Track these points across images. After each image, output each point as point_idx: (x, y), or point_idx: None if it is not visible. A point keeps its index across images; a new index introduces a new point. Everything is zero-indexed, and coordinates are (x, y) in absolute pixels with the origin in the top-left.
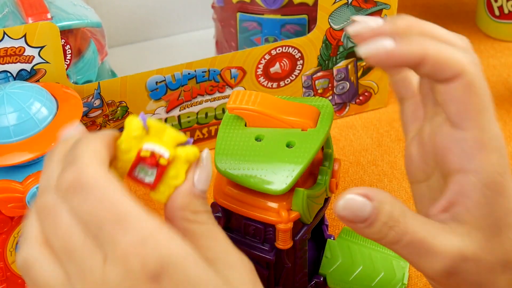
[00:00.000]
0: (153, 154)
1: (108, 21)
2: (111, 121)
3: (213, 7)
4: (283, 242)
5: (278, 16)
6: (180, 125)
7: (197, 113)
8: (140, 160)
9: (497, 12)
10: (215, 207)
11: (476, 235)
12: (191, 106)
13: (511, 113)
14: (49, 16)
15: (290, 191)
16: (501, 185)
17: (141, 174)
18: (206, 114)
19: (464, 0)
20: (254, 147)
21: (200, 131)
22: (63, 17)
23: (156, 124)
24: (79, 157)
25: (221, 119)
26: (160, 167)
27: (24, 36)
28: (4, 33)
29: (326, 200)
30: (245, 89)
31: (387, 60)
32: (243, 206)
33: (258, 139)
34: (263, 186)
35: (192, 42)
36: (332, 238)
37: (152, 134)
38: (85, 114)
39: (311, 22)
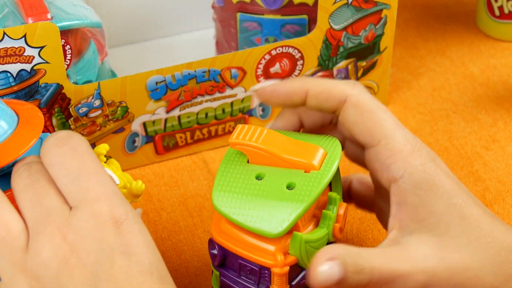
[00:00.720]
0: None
1: (108, 21)
2: (111, 121)
3: (213, 7)
4: (279, 287)
5: (278, 16)
6: (180, 125)
7: (197, 113)
8: None
9: (497, 12)
10: (212, 243)
11: (429, 239)
12: (191, 106)
13: (511, 113)
14: (49, 16)
15: (289, 233)
16: (429, 181)
17: None
18: (206, 114)
19: (464, 0)
20: (254, 185)
21: (200, 131)
22: (63, 17)
23: (115, 162)
24: (71, 132)
25: (221, 119)
26: None
27: (24, 36)
28: (4, 33)
29: (329, 244)
30: (245, 90)
31: (272, 95)
32: (239, 246)
33: (258, 177)
34: (259, 228)
35: (192, 42)
36: None
37: (110, 164)
38: (85, 114)
39: (311, 22)
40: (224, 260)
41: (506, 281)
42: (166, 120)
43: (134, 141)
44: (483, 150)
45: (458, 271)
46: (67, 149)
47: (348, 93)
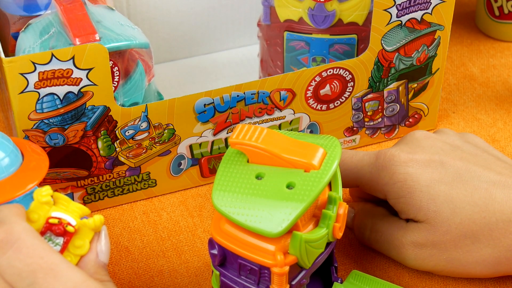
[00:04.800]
0: (60, 222)
1: (150, 37)
2: (157, 144)
3: (258, 25)
4: (278, 286)
5: (327, 36)
6: (226, 148)
7: None
8: (48, 227)
9: (497, 12)
10: (212, 243)
11: (421, 227)
12: None
13: (511, 113)
14: (97, 37)
15: (289, 233)
16: (408, 189)
17: (49, 243)
18: None
19: (464, 0)
20: (254, 185)
21: None
22: (111, 38)
23: (62, 196)
24: (4, 217)
25: None
26: (67, 235)
27: (73, 58)
28: (52, 55)
29: (329, 244)
30: (294, 112)
31: None
32: (239, 246)
33: (258, 177)
34: (258, 228)
35: (236, 59)
36: (339, 281)
37: (59, 204)
38: (131, 137)
39: (360, 42)
40: (224, 260)
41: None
42: (212, 143)
43: (180, 164)
44: None
45: (444, 244)
46: (11, 253)
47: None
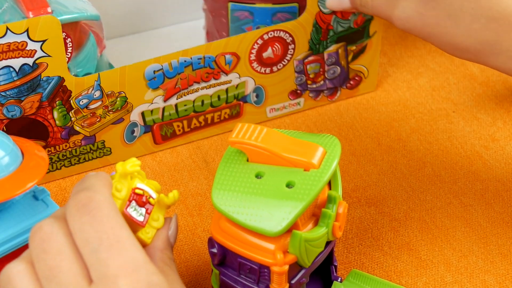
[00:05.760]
0: (144, 193)
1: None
2: (111, 112)
3: None
4: (278, 285)
5: (269, 5)
6: (177, 114)
7: (194, 101)
8: (134, 197)
9: None
10: (211, 242)
11: (418, 2)
12: (187, 94)
13: (511, 112)
14: (49, 10)
15: (288, 232)
16: None
17: (133, 212)
18: (202, 101)
19: None
20: (253, 184)
21: (196, 119)
22: (62, 11)
23: (139, 171)
24: (91, 184)
25: (217, 106)
26: (149, 207)
27: (27, 30)
28: (7, 28)
29: (329, 243)
30: (239, 76)
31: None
32: (239, 244)
33: (258, 176)
34: (258, 227)
35: (182, 33)
36: (339, 280)
37: (139, 178)
38: (86, 106)
39: (302, 10)
40: (224, 258)
41: (483, 47)
42: (163, 109)
43: (133, 131)
44: (483, 149)
45: (431, 25)
46: (86, 218)
47: None
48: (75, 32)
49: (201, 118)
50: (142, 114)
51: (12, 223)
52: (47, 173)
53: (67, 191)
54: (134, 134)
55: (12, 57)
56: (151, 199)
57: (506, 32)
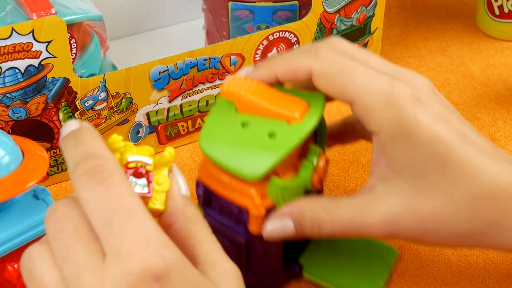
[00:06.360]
0: (138, 164)
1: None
2: (116, 113)
3: None
4: (255, 227)
5: (270, 3)
6: (182, 114)
7: (199, 102)
8: (130, 172)
9: (497, 12)
10: (198, 184)
11: (400, 187)
12: (192, 95)
13: (511, 112)
14: (53, 11)
15: (268, 179)
16: (406, 132)
17: (136, 188)
18: (207, 102)
19: (464, 0)
20: (239, 132)
21: (201, 119)
22: (66, 12)
23: (127, 142)
24: (99, 150)
25: None
26: (148, 176)
27: (32, 31)
28: (12, 29)
29: (308, 193)
30: None
31: None
32: (222, 188)
33: (244, 125)
34: (239, 171)
35: (181, 33)
36: None
37: (128, 149)
38: (91, 107)
39: (302, 8)
40: (209, 200)
41: (488, 227)
42: (168, 110)
43: (138, 132)
44: None
45: (427, 218)
46: (99, 188)
47: (311, 66)
48: (79, 33)
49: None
50: (147, 114)
51: (12, 223)
52: (52, 175)
53: (67, 191)
54: (139, 135)
55: (17, 58)
56: (147, 167)
57: (510, 206)
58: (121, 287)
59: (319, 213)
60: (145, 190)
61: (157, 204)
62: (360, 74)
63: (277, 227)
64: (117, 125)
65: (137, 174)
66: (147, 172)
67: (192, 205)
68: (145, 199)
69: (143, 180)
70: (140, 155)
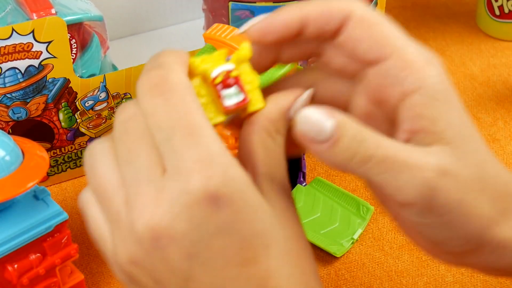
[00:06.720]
0: (221, 75)
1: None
2: None
3: None
4: None
5: (270, 3)
6: None
7: None
8: (219, 87)
9: (497, 12)
10: None
11: (446, 151)
12: None
13: (511, 112)
14: (53, 11)
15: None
16: (446, 92)
17: (233, 99)
18: None
19: (464, 0)
20: None
21: None
22: (66, 12)
23: (203, 57)
24: (165, 62)
25: None
26: (238, 81)
27: (32, 31)
28: (13, 29)
29: None
30: None
31: (267, 31)
32: None
33: None
34: None
35: (181, 33)
36: (303, 184)
37: (205, 63)
38: (91, 108)
39: None
40: None
41: (501, 215)
42: None
43: None
44: None
45: (464, 185)
46: (159, 100)
47: (352, 8)
48: (79, 33)
49: None
50: None
51: (13, 223)
52: (52, 175)
53: (67, 191)
54: None
55: (17, 59)
56: (233, 73)
57: None
58: (178, 205)
59: (365, 130)
60: (241, 96)
61: (257, 104)
62: (401, 31)
63: (315, 119)
64: None
65: (227, 85)
66: (235, 78)
67: (283, 124)
68: (244, 105)
69: (235, 88)
70: (218, 65)
